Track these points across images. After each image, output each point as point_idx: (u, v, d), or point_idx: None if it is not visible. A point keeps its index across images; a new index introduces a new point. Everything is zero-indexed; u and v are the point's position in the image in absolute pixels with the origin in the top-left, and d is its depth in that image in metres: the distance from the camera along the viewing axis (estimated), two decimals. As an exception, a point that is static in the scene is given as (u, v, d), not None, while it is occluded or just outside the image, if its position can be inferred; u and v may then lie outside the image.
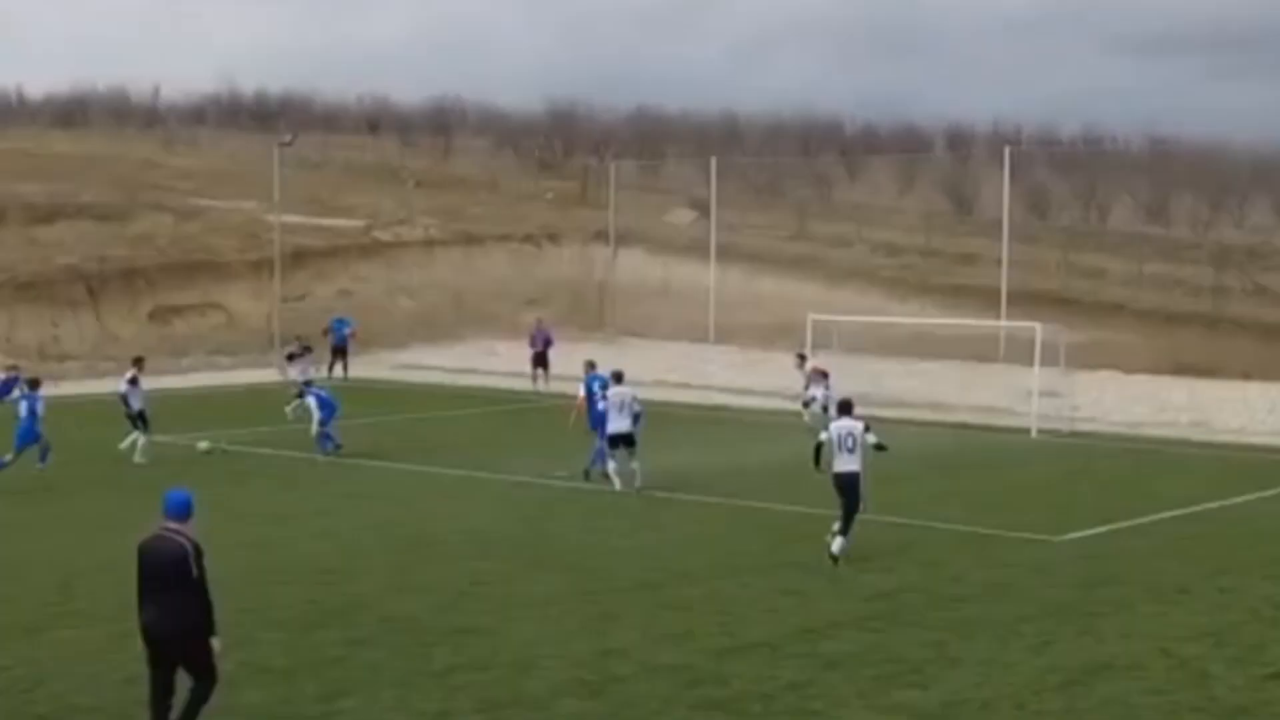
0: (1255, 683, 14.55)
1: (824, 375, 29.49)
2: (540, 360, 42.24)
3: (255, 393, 41.70)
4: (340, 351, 45.03)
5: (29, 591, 18.04)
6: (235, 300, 51.04)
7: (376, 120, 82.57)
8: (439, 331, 53.26)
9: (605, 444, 25.80)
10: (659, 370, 45.78)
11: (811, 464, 26.43)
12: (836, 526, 19.79)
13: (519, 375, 42.99)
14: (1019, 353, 39.06)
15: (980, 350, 44.00)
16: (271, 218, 49.79)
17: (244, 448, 30.66)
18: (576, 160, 73.77)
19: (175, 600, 11.98)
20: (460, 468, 28.10)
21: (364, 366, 45.85)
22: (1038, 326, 35.15)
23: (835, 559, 19.47)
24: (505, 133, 79.30)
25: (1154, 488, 26.70)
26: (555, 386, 39.87)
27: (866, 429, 20.13)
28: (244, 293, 51.28)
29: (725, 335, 53.91)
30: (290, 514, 23.73)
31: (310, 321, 47.21)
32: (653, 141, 75.93)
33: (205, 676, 12.21)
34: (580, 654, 15.34)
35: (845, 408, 20.63)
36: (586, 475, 26.46)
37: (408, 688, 14.22)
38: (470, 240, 59.42)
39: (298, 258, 52.27)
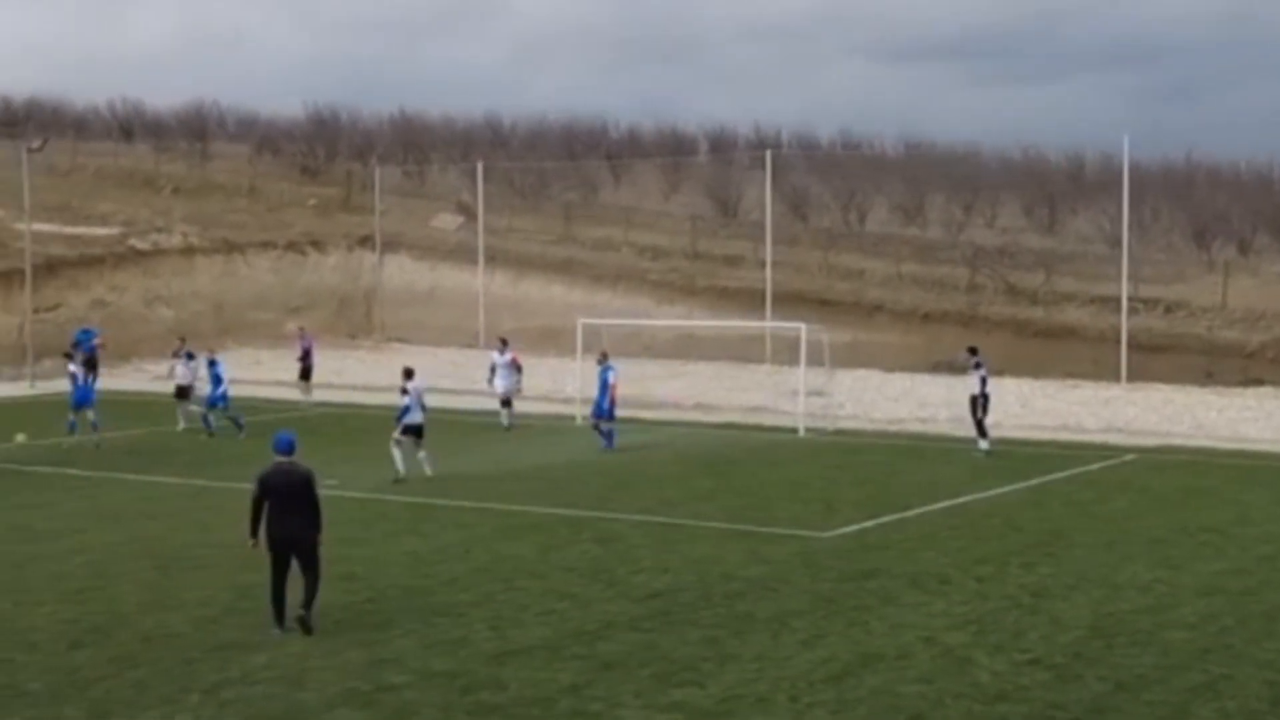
0: (1015, 668, 15.00)
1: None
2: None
3: (4, 407, 40.18)
4: (91, 364, 43.66)
5: None
6: (-17, 312, 49.21)
7: (130, 126, 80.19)
8: (200, 341, 51.88)
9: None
10: (427, 376, 45.35)
11: None
12: None
13: (284, 385, 42.22)
14: (784, 353, 39.80)
15: (746, 351, 44.70)
16: (21, 226, 48.02)
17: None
18: (339, 165, 72.70)
19: (306, 513, 16.04)
20: (222, 480, 27.43)
21: (122, 378, 44.56)
22: (802, 327, 35.83)
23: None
24: (265, 138, 77.76)
25: (914, 482, 27.39)
26: (324, 395, 39.27)
27: None
28: (-8, 304, 49.49)
29: (494, 340, 53.66)
30: (41, 531, 22.80)
31: (65, 333, 45.71)
32: (416, 146, 75.27)
33: (317, 567, 16.19)
34: (352, 664, 15.10)
35: None
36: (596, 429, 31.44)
37: (175, 705, 13.82)
38: (231, 248, 58.17)
39: (50, 267, 50.59)
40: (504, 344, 36.56)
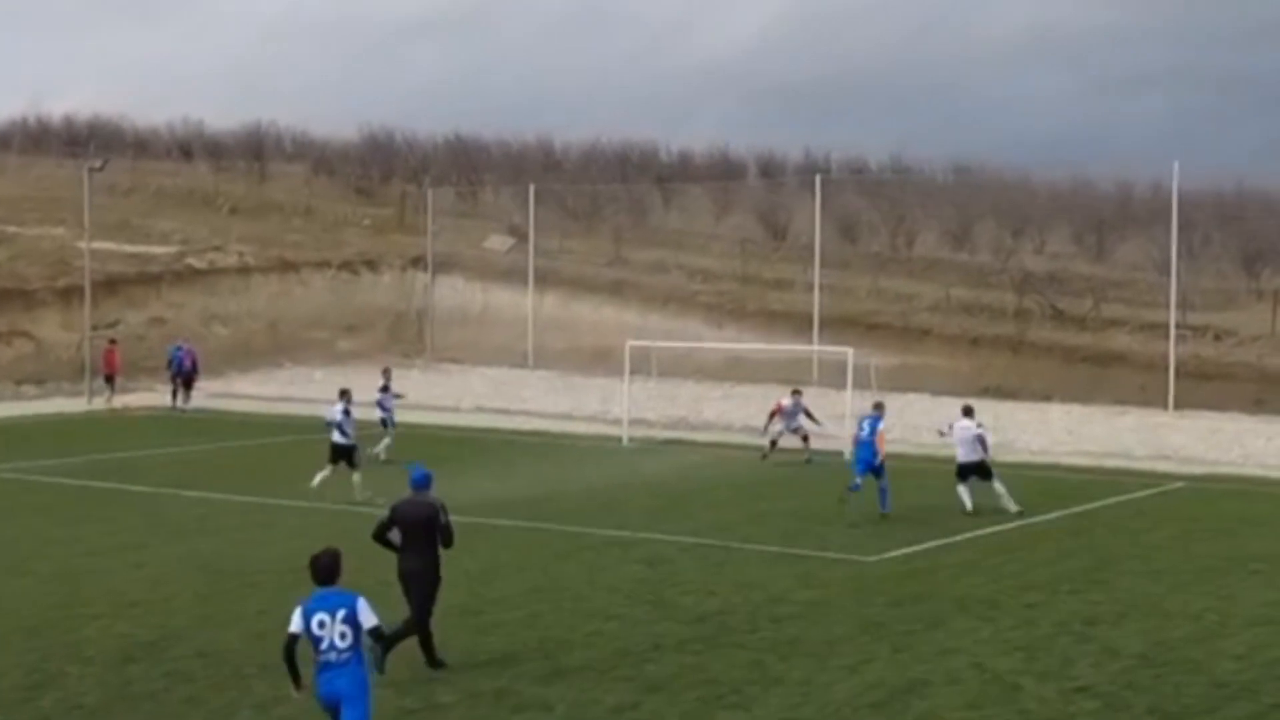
0: (1065, 696, 15.02)
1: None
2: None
3: (65, 422, 40.70)
4: (187, 381, 44.26)
5: None
6: (44, 329, 49.87)
7: (189, 146, 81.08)
8: (256, 359, 52.54)
9: None
10: (478, 396, 45.79)
11: None
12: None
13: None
14: (832, 376, 39.81)
15: (794, 374, 44.67)
16: (81, 244, 48.64)
17: (51, 478, 29.93)
18: (393, 186, 73.31)
19: (426, 550, 15.54)
20: (276, 496, 27.72)
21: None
22: (849, 351, 35.89)
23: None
24: (321, 159, 78.50)
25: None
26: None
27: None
28: (53, 321, 50.12)
29: (544, 360, 54.05)
30: (98, 546, 23.10)
31: (124, 350, 46.26)
32: (470, 168, 75.78)
33: (420, 604, 15.61)
34: (403, 681, 15.26)
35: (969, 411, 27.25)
36: None
37: (227, 721, 14.02)
38: (286, 267, 58.73)
39: (109, 285, 51.22)
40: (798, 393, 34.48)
